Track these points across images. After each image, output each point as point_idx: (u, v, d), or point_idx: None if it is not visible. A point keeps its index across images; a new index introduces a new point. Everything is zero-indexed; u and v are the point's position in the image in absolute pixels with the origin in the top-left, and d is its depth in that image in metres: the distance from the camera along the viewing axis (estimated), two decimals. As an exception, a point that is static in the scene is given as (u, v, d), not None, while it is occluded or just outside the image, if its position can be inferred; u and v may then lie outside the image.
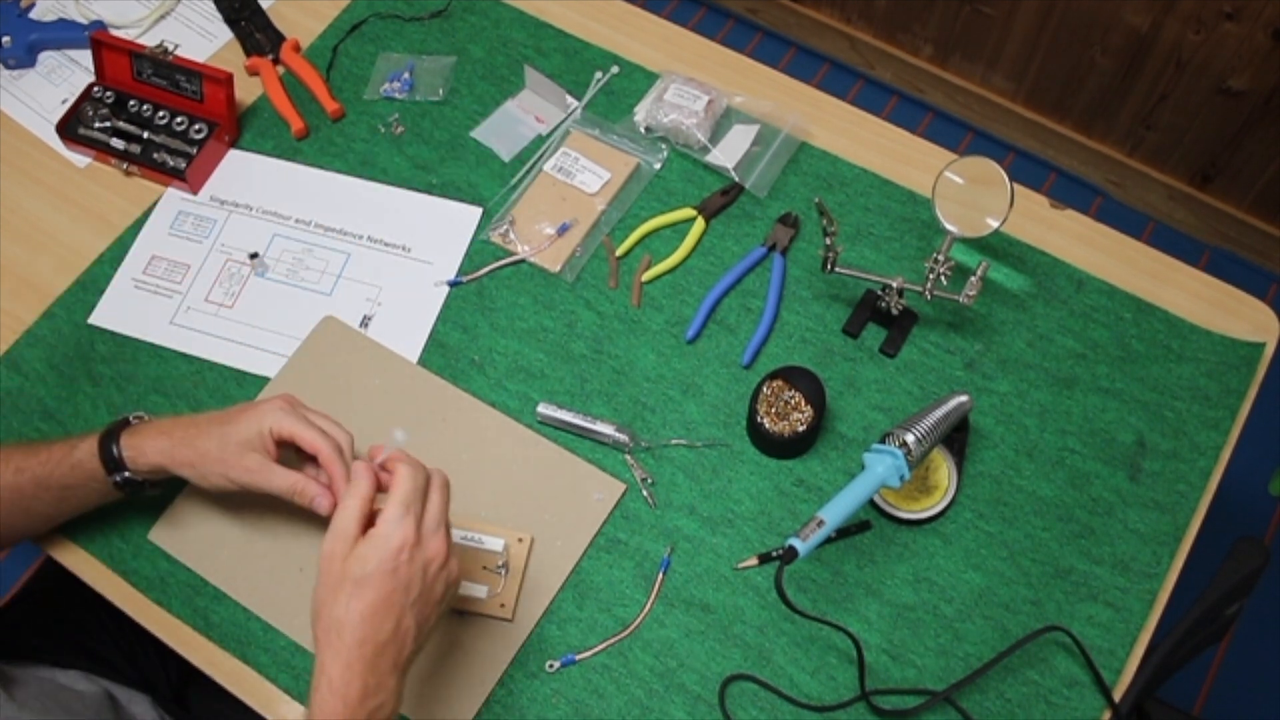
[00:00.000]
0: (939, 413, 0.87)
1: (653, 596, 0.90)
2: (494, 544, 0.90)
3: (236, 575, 0.92)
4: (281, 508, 0.89)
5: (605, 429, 0.96)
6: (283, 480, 0.83)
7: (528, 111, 1.16)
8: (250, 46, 1.21)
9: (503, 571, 0.90)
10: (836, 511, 0.82)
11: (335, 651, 0.70)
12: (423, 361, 1.02)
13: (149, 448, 0.84)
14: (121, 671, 1.01)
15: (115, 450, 0.84)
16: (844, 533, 0.93)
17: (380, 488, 0.77)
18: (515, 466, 0.96)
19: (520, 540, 0.91)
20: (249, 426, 0.83)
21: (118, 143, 1.12)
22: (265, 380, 1.01)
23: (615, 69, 1.17)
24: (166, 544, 0.93)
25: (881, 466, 0.84)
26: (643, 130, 1.13)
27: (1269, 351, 1.00)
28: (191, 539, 0.93)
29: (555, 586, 0.91)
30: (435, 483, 0.78)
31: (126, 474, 0.85)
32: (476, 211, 1.10)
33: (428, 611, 0.74)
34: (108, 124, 1.13)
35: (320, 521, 0.82)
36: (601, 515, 0.94)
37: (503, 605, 0.89)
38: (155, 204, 1.12)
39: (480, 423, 0.98)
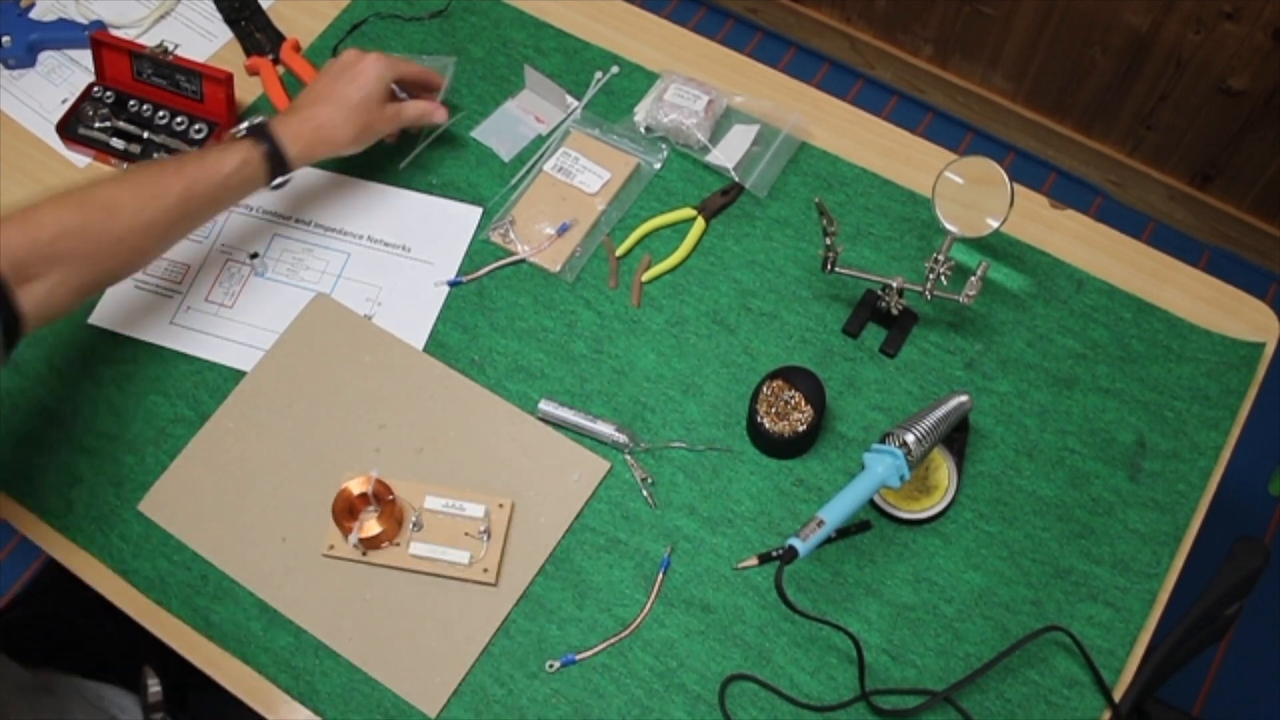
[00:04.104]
0: (939, 413, 0.87)
1: (653, 596, 0.90)
2: (475, 510, 0.92)
3: (223, 546, 0.93)
4: (267, 481, 0.94)
5: (605, 429, 0.96)
6: (413, 110, 1.06)
7: (528, 111, 1.16)
8: (250, 46, 1.21)
9: (485, 537, 0.91)
10: (836, 511, 0.82)
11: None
12: (423, 361, 1.02)
13: (314, 141, 0.98)
14: (119, 675, 1.01)
15: (282, 154, 0.96)
16: (844, 533, 0.93)
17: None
18: (501, 444, 0.97)
19: (501, 506, 0.93)
20: (379, 85, 1.01)
21: (118, 143, 1.12)
22: (265, 380, 1.01)
23: (615, 69, 1.17)
24: (155, 515, 0.95)
25: (881, 466, 0.84)
26: (643, 130, 1.13)
27: (1269, 351, 1.00)
28: (179, 511, 0.94)
29: (539, 561, 0.92)
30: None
31: (287, 177, 0.98)
32: (476, 211, 1.10)
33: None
34: (108, 124, 1.13)
35: (303, 494, 0.94)
36: (585, 493, 0.95)
37: (485, 570, 0.90)
38: (155, 204, 1.12)
39: (468, 400, 0.99)
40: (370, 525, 0.90)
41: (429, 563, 0.90)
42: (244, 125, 0.97)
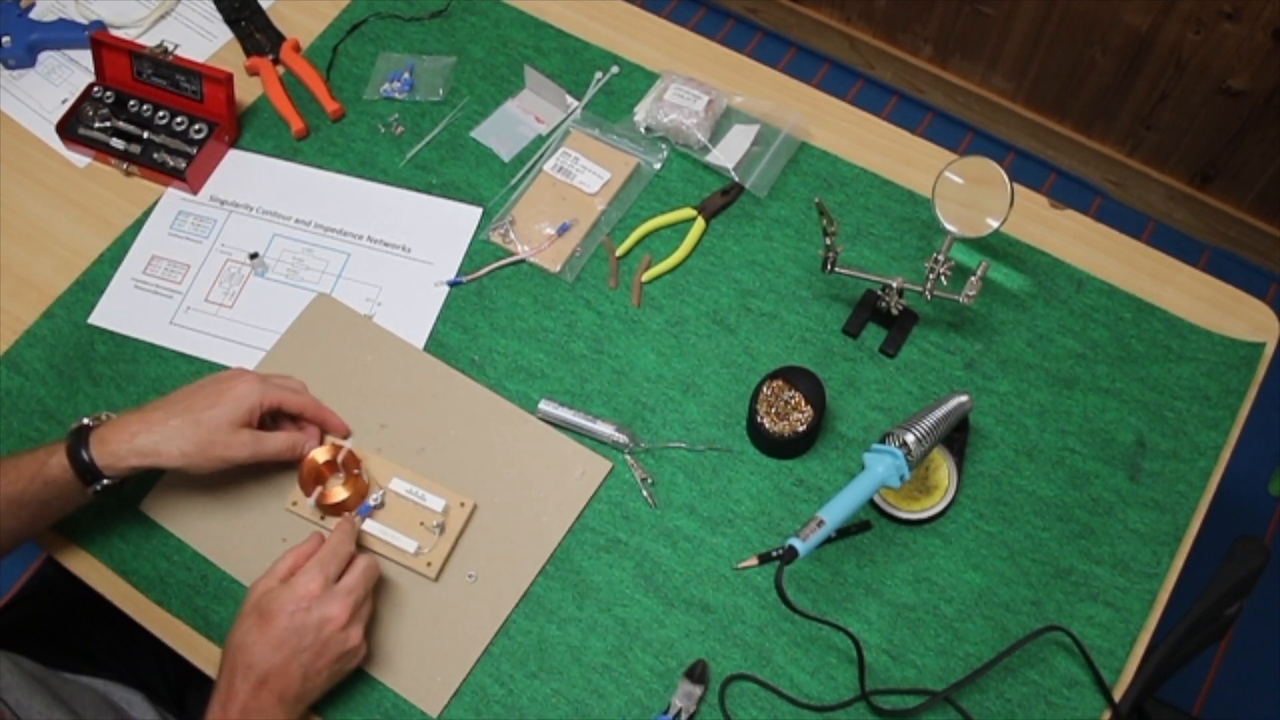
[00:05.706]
0: (939, 413, 0.87)
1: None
2: (435, 503, 0.92)
3: (223, 546, 0.93)
4: (268, 480, 0.95)
5: (605, 429, 0.96)
6: (277, 443, 0.91)
7: (528, 111, 1.16)
8: (250, 46, 1.21)
9: (438, 531, 0.91)
10: (836, 511, 0.82)
11: (229, 668, 0.79)
12: (423, 361, 1.02)
13: (124, 451, 0.85)
14: (119, 674, 1.01)
15: (87, 457, 0.84)
16: (844, 533, 0.93)
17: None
18: (503, 443, 0.97)
19: (462, 505, 0.93)
20: (237, 406, 0.88)
21: (118, 143, 1.12)
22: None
23: (615, 69, 1.17)
24: (157, 514, 0.95)
25: (881, 466, 0.84)
26: (643, 130, 1.13)
27: (1269, 351, 1.00)
28: (181, 510, 0.95)
29: (540, 562, 0.92)
30: (361, 561, 0.85)
31: (105, 482, 0.86)
32: (476, 211, 1.10)
33: (318, 665, 0.80)
34: (108, 124, 1.13)
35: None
36: (586, 493, 0.95)
37: (429, 564, 0.91)
38: (155, 204, 1.12)
39: (470, 399, 0.99)
40: (334, 492, 0.92)
41: (377, 542, 0.91)
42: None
